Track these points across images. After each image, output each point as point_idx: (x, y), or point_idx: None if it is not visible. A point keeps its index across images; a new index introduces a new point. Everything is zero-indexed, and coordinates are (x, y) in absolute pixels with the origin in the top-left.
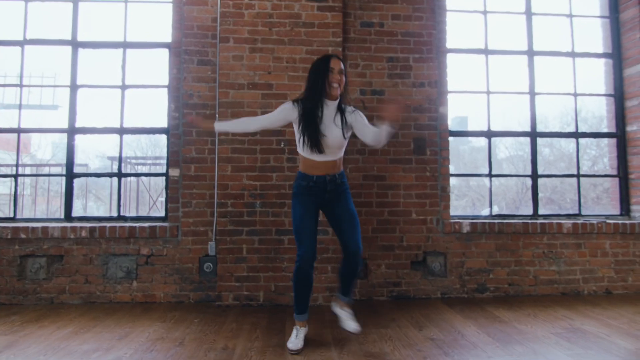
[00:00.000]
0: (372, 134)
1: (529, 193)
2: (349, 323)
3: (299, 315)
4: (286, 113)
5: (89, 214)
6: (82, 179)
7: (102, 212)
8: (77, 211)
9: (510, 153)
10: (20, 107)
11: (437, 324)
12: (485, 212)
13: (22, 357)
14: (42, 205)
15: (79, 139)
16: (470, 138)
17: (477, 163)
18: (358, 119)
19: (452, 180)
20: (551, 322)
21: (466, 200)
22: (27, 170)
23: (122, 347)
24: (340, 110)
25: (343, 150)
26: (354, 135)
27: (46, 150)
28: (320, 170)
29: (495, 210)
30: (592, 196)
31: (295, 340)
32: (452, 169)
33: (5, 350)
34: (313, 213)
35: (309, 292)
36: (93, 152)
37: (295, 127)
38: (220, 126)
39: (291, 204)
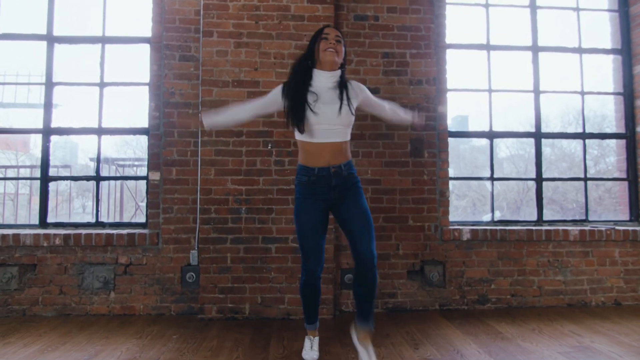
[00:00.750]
0: (387, 105)
1: (530, 194)
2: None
3: (309, 325)
4: (275, 94)
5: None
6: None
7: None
8: (76, 212)
9: (511, 152)
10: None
11: (434, 341)
12: (487, 217)
13: None
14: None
15: (75, 138)
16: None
17: (478, 163)
18: (365, 91)
19: (452, 181)
20: (557, 339)
21: (466, 201)
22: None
23: None
24: (342, 82)
25: (347, 131)
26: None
27: (36, 149)
28: (321, 158)
29: (497, 215)
30: (594, 196)
31: (311, 351)
32: (451, 171)
33: None
34: (319, 220)
35: (317, 303)
36: (92, 153)
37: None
38: (209, 121)
39: (294, 207)
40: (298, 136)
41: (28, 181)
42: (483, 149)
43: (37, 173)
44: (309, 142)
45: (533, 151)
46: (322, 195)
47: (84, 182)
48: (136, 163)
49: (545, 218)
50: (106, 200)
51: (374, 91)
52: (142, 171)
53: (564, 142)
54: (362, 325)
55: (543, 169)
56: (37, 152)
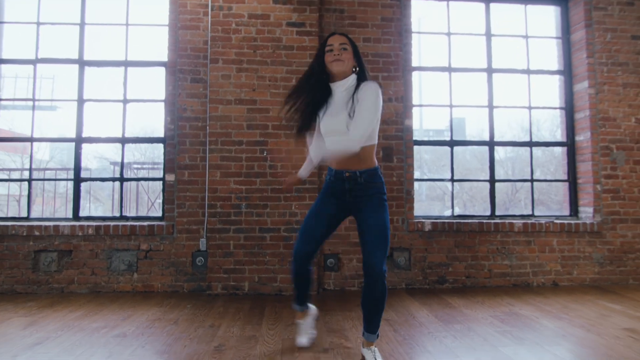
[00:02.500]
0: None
1: (518, 195)
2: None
3: (296, 305)
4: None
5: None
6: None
7: (100, 212)
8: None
9: (507, 155)
10: (32, 120)
11: (395, 309)
12: (447, 212)
13: (43, 332)
14: (45, 205)
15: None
16: (467, 136)
17: (470, 166)
18: (362, 92)
19: (448, 185)
20: (494, 308)
21: (457, 201)
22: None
23: (125, 325)
24: (354, 89)
25: (368, 139)
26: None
27: (45, 152)
28: (338, 162)
29: (457, 211)
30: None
31: (300, 337)
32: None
33: (28, 327)
34: (326, 213)
35: (305, 288)
36: (91, 154)
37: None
38: (307, 172)
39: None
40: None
41: (34, 184)
42: (477, 151)
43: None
44: (328, 149)
45: (522, 156)
46: (338, 194)
47: (83, 183)
48: (145, 166)
49: (535, 214)
50: (119, 197)
51: None
52: (152, 173)
53: (555, 148)
54: (368, 336)
55: (537, 171)
56: (39, 156)
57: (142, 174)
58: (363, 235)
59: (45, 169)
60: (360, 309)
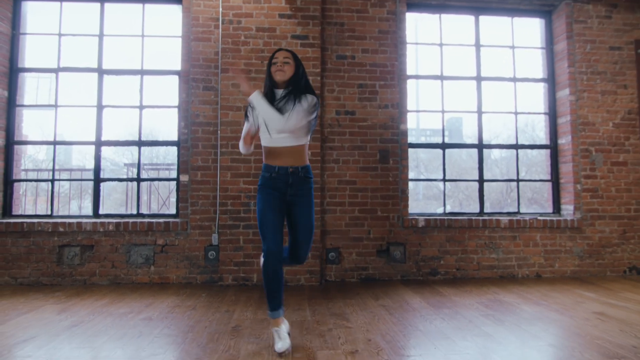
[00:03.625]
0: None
1: (513, 194)
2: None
3: (272, 312)
4: (250, 115)
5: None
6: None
7: (106, 211)
8: (75, 210)
9: (502, 155)
10: (55, 125)
11: (391, 297)
12: (440, 210)
13: (77, 317)
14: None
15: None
16: (464, 137)
17: (466, 165)
18: (311, 105)
19: (442, 184)
20: (480, 296)
21: (453, 200)
22: (33, 174)
23: (149, 311)
24: (292, 95)
25: (301, 136)
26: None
27: (43, 152)
28: (282, 159)
29: (448, 209)
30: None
31: (280, 342)
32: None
33: (62, 313)
34: (276, 206)
35: (280, 287)
36: (90, 154)
37: (258, 122)
38: (254, 100)
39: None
40: (263, 142)
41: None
42: (475, 153)
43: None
44: (270, 146)
45: (513, 158)
46: (279, 190)
47: (82, 183)
48: (156, 167)
49: (520, 212)
50: (132, 195)
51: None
52: (164, 173)
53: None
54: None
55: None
56: (39, 156)
57: (153, 174)
58: (295, 230)
59: (54, 170)
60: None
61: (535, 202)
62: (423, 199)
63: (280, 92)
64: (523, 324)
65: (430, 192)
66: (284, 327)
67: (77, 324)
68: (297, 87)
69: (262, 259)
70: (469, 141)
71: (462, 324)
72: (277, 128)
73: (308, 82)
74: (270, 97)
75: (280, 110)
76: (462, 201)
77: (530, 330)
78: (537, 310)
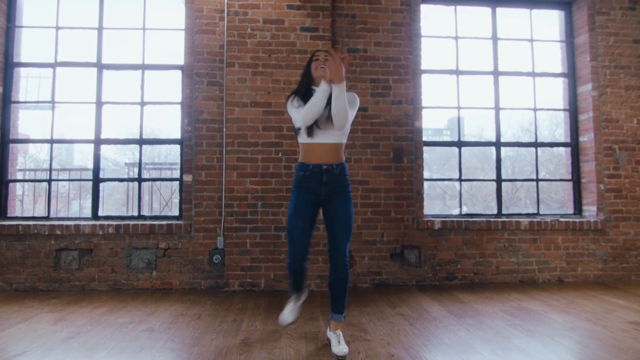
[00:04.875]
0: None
1: (518, 193)
2: (336, 348)
3: (293, 292)
4: (291, 107)
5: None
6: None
7: (107, 212)
8: (77, 210)
9: (507, 154)
10: (52, 122)
11: (408, 304)
12: (456, 211)
13: (73, 328)
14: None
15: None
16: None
17: (468, 164)
18: (351, 99)
19: (453, 184)
20: (503, 303)
21: (457, 200)
22: (31, 174)
23: (151, 320)
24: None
25: (340, 134)
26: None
27: (44, 152)
28: (316, 156)
29: (465, 210)
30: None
31: (290, 314)
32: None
33: (57, 323)
34: (308, 211)
35: (303, 280)
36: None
37: (295, 117)
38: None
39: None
40: (299, 139)
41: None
42: (479, 152)
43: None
44: (307, 143)
45: (532, 156)
46: (314, 191)
47: (83, 182)
48: (158, 167)
49: (540, 213)
50: (133, 196)
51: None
52: (166, 173)
53: (554, 148)
54: (334, 317)
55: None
56: (39, 156)
57: (155, 173)
58: (332, 227)
59: (55, 170)
60: (329, 293)
61: (542, 201)
62: (427, 199)
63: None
64: (555, 335)
65: (434, 191)
66: (300, 303)
67: (73, 336)
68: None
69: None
70: (477, 140)
71: (490, 336)
72: (320, 125)
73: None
74: (308, 95)
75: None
76: (466, 201)
77: (565, 343)
78: (567, 319)
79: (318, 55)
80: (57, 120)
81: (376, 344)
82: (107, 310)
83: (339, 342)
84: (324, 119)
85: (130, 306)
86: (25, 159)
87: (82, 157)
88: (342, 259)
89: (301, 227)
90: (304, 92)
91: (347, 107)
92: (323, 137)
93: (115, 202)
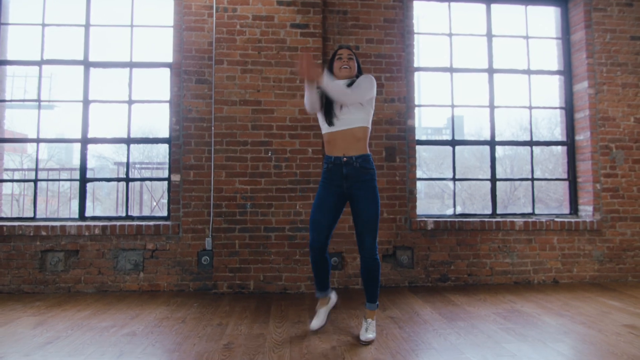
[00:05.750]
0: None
1: (517, 192)
2: (363, 334)
3: (319, 292)
4: (314, 93)
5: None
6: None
7: (99, 211)
8: (74, 210)
9: (506, 153)
10: (38, 121)
11: (399, 306)
12: (450, 211)
13: (53, 332)
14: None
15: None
16: (466, 134)
17: (468, 163)
18: (360, 79)
19: (450, 184)
20: (496, 305)
21: (456, 200)
22: (26, 173)
23: (134, 324)
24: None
25: (359, 120)
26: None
27: (44, 151)
28: (337, 147)
29: (459, 210)
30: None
31: (315, 320)
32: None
33: (38, 327)
34: (329, 204)
35: (324, 274)
36: (90, 152)
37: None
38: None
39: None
40: (323, 129)
41: (33, 184)
42: (477, 151)
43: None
44: (328, 133)
45: (527, 154)
46: (335, 184)
47: (78, 183)
48: (148, 166)
49: (535, 213)
50: (123, 197)
51: None
52: (155, 173)
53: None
54: (367, 305)
55: (536, 169)
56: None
57: (145, 173)
58: (357, 221)
59: (49, 169)
60: (362, 283)
61: (540, 200)
62: (425, 198)
63: (341, 81)
64: (548, 340)
65: (433, 190)
66: (325, 308)
67: (52, 341)
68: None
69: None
70: (471, 139)
71: (480, 340)
72: (339, 110)
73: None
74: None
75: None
76: (465, 200)
77: (558, 348)
78: (561, 322)
79: (341, 54)
80: (57, 120)
81: (362, 349)
82: (90, 313)
83: (367, 330)
84: (338, 107)
85: (114, 309)
86: (22, 158)
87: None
88: (368, 252)
89: (320, 218)
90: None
91: (341, 94)
92: (341, 124)
93: (114, 202)
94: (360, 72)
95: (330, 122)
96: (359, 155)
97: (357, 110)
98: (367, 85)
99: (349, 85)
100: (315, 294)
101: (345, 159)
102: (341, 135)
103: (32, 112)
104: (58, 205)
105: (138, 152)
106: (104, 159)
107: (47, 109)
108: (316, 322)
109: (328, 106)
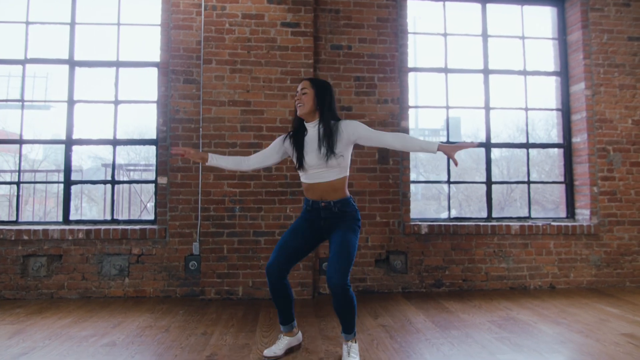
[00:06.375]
0: (390, 140)
1: (514, 194)
2: (347, 359)
3: (282, 326)
4: (277, 144)
5: (83, 214)
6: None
7: (94, 212)
8: (72, 212)
9: (502, 154)
10: (22, 121)
11: (391, 314)
12: (444, 215)
13: (30, 342)
14: (38, 205)
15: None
16: (462, 136)
17: (464, 164)
18: (355, 131)
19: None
20: (491, 312)
21: (452, 201)
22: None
23: (115, 333)
24: (322, 129)
25: (337, 172)
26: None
27: (38, 152)
28: (314, 194)
29: (454, 213)
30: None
31: (274, 346)
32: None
33: (14, 336)
34: (301, 233)
35: (286, 303)
36: (85, 154)
37: (292, 156)
38: (213, 160)
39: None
40: (301, 178)
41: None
42: (474, 152)
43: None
44: (305, 182)
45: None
46: (313, 222)
47: (74, 185)
48: (138, 168)
49: (531, 216)
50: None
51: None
52: (146, 175)
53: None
54: (343, 335)
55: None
56: (32, 155)
57: (136, 175)
58: (332, 248)
59: (35, 171)
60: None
61: (536, 202)
62: (422, 199)
63: (310, 126)
64: (544, 350)
65: (429, 192)
66: (289, 339)
67: (27, 352)
68: (324, 118)
69: None
70: (469, 141)
71: (474, 350)
72: (314, 165)
73: (334, 107)
74: (301, 132)
75: (316, 148)
76: (461, 202)
77: (555, 359)
78: (558, 331)
79: (296, 90)
80: (54, 120)
81: None
82: (71, 321)
83: (349, 354)
84: (316, 162)
85: (97, 317)
86: (16, 159)
87: (77, 157)
88: (336, 287)
89: (288, 242)
90: (297, 129)
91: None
92: (318, 177)
93: (108, 203)
94: (323, 106)
95: (306, 176)
96: (337, 200)
97: (336, 167)
98: (343, 145)
99: (320, 138)
100: (280, 326)
101: (323, 204)
102: (319, 186)
103: (27, 112)
104: (47, 207)
105: (134, 154)
106: (100, 159)
107: (44, 109)
108: (272, 350)
109: (300, 158)
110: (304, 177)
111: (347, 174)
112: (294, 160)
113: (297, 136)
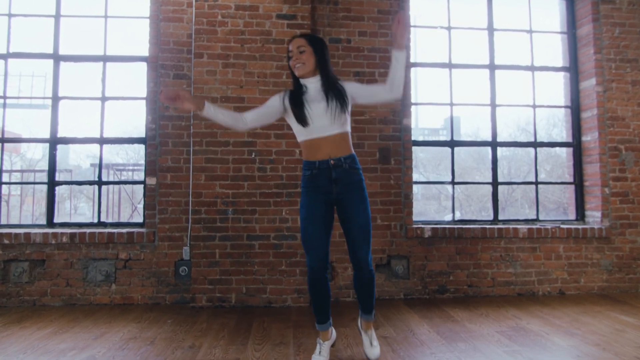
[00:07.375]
0: (380, 86)
1: (515, 194)
2: (368, 350)
3: (319, 325)
4: (275, 101)
5: (82, 214)
6: (86, 185)
7: (90, 212)
8: (67, 213)
9: (503, 154)
10: (3, 118)
11: (393, 323)
12: (448, 217)
13: (3, 356)
14: (27, 206)
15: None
16: (462, 135)
17: (464, 164)
18: (349, 87)
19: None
20: (500, 322)
21: (462, 200)
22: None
23: (96, 346)
24: (326, 84)
25: (342, 124)
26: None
27: (36, 151)
28: (322, 151)
29: (458, 215)
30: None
31: (318, 356)
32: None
33: None
34: (320, 216)
35: (326, 300)
36: (84, 153)
37: (288, 117)
38: (210, 109)
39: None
40: (299, 137)
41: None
42: (474, 152)
43: (32, 176)
44: (309, 139)
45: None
46: (324, 191)
47: (73, 185)
48: (128, 167)
49: (539, 218)
50: (104, 201)
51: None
52: (138, 175)
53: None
54: (364, 317)
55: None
56: (29, 154)
57: (128, 176)
58: (350, 231)
59: (22, 171)
60: (355, 294)
61: (539, 203)
62: (422, 199)
63: (311, 81)
64: None
65: (429, 192)
66: (328, 342)
67: None
68: (326, 74)
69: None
70: (470, 140)
71: None
72: (320, 115)
73: (330, 65)
74: (299, 93)
75: (321, 100)
76: (462, 202)
77: None
78: (572, 344)
79: (291, 51)
80: (31, 117)
81: None
82: (51, 332)
83: (372, 344)
84: (322, 114)
85: (79, 327)
86: (11, 158)
87: (75, 156)
88: (364, 264)
89: (315, 233)
90: (296, 86)
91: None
92: (324, 130)
93: (105, 203)
94: (325, 62)
95: (310, 129)
96: (347, 155)
97: (340, 118)
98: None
99: (327, 90)
100: (317, 326)
101: (333, 161)
102: (326, 140)
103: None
104: (19, 212)
105: (133, 153)
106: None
107: (43, 108)
108: (320, 359)
109: (303, 114)
110: (307, 134)
111: (350, 129)
112: (295, 117)
113: (297, 93)
